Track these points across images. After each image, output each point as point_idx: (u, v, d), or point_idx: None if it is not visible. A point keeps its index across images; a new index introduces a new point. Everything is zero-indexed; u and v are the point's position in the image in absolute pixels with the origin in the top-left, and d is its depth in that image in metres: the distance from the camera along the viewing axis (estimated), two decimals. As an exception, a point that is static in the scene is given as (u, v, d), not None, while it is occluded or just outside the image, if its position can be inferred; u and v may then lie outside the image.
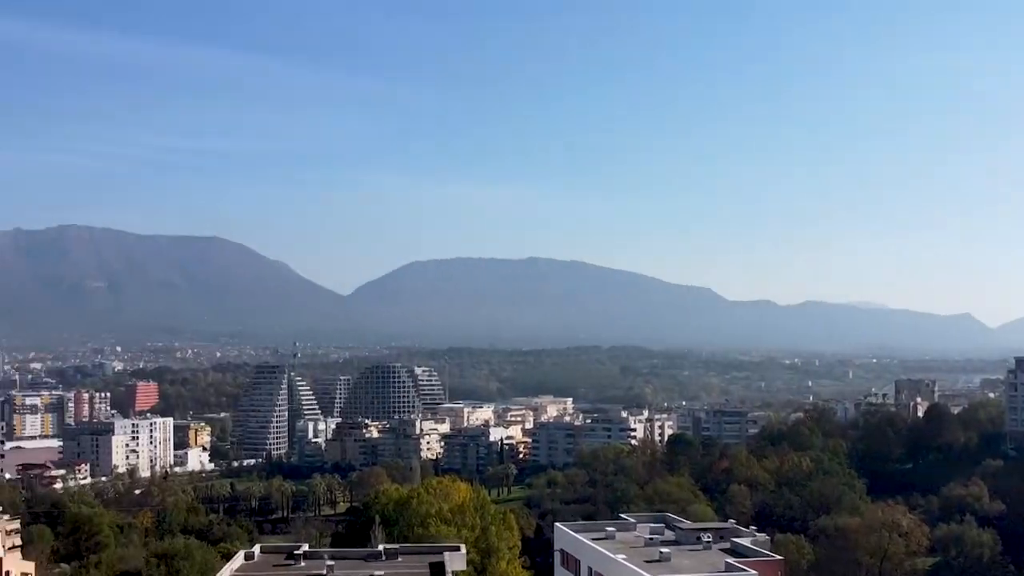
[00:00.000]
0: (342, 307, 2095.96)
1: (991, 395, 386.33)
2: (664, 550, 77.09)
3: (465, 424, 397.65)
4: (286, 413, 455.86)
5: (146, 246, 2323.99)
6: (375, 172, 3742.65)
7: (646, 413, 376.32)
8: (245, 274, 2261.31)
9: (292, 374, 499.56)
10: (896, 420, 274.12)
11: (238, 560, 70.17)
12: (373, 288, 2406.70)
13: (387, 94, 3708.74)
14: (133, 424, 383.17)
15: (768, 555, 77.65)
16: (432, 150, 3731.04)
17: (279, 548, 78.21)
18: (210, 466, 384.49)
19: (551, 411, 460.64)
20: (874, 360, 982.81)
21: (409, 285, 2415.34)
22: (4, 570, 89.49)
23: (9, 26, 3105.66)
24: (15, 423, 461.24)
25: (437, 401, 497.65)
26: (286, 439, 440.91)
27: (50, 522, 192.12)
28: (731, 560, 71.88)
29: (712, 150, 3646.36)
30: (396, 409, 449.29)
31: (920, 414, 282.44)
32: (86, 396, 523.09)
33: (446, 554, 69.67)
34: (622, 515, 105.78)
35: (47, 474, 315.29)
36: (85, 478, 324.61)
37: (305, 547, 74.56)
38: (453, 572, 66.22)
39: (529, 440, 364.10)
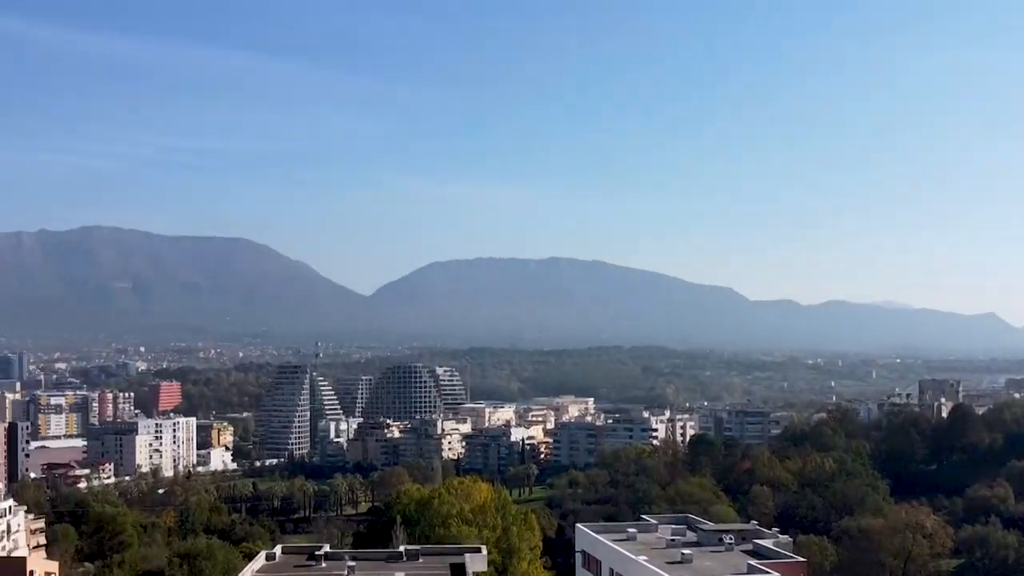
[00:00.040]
0: (364, 307, 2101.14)
1: (1016, 395, 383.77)
2: (686, 551, 76.77)
3: (486, 424, 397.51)
4: (308, 413, 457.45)
5: (170, 247, 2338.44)
6: (396, 173, 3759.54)
7: (668, 413, 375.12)
8: (268, 275, 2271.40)
9: (314, 374, 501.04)
10: (920, 421, 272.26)
11: (259, 561, 70.29)
12: (395, 288, 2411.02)
13: (406, 95, 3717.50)
14: (156, 424, 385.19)
15: (791, 557, 77.13)
16: (453, 150, 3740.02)
17: (300, 549, 78.30)
18: (232, 466, 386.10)
19: (572, 411, 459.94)
20: (898, 360, 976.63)
21: (430, 285, 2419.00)
22: (28, 569, 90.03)
23: (43, 31, 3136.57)
24: (40, 423, 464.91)
25: (458, 401, 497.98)
26: (308, 439, 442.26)
27: (74, 521, 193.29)
28: (753, 562, 71.50)
29: (734, 149, 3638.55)
30: (417, 409, 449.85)
31: (944, 414, 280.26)
32: (110, 396, 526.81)
33: (467, 555, 69.59)
34: (643, 516, 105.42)
35: (71, 473, 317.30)
36: (109, 477, 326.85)
37: (326, 548, 74.60)
38: (474, 573, 66.11)
39: (550, 440, 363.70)
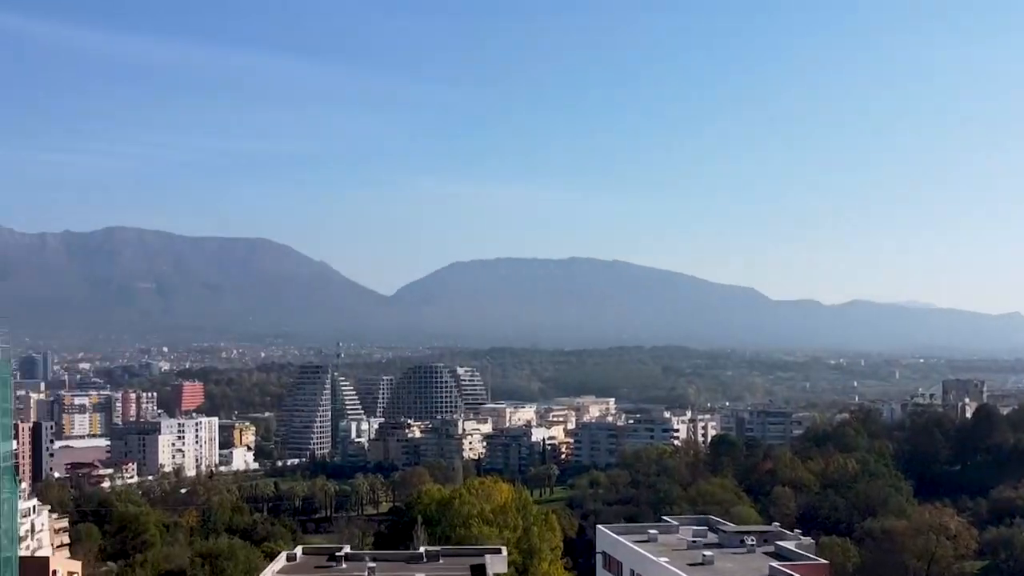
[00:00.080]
0: (385, 307, 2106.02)
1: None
2: (707, 553, 76.59)
3: (507, 424, 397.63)
4: (329, 413, 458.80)
5: (193, 248, 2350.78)
6: (417, 173, 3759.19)
7: (689, 413, 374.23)
8: (290, 275, 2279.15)
9: (335, 374, 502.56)
10: (944, 421, 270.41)
11: (280, 561, 70.54)
12: (415, 288, 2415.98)
13: (427, 94, 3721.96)
14: (179, 424, 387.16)
15: (813, 559, 76.74)
16: (474, 151, 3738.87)
17: (321, 549, 78.55)
18: (254, 465, 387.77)
19: (593, 411, 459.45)
20: (921, 360, 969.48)
21: (451, 285, 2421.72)
22: (51, 569, 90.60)
23: (75, 32, 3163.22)
24: (64, 422, 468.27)
25: (479, 401, 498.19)
26: (329, 439, 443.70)
27: (97, 521, 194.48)
28: (775, 564, 71.15)
29: (755, 147, 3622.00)
30: (438, 409, 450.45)
31: (968, 415, 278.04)
32: (133, 396, 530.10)
33: (487, 557, 69.59)
34: (664, 517, 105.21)
35: (95, 473, 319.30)
36: (132, 477, 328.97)
37: (347, 549, 74.82)
38: (494, 575, 66.08)
39: (571, 440, 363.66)
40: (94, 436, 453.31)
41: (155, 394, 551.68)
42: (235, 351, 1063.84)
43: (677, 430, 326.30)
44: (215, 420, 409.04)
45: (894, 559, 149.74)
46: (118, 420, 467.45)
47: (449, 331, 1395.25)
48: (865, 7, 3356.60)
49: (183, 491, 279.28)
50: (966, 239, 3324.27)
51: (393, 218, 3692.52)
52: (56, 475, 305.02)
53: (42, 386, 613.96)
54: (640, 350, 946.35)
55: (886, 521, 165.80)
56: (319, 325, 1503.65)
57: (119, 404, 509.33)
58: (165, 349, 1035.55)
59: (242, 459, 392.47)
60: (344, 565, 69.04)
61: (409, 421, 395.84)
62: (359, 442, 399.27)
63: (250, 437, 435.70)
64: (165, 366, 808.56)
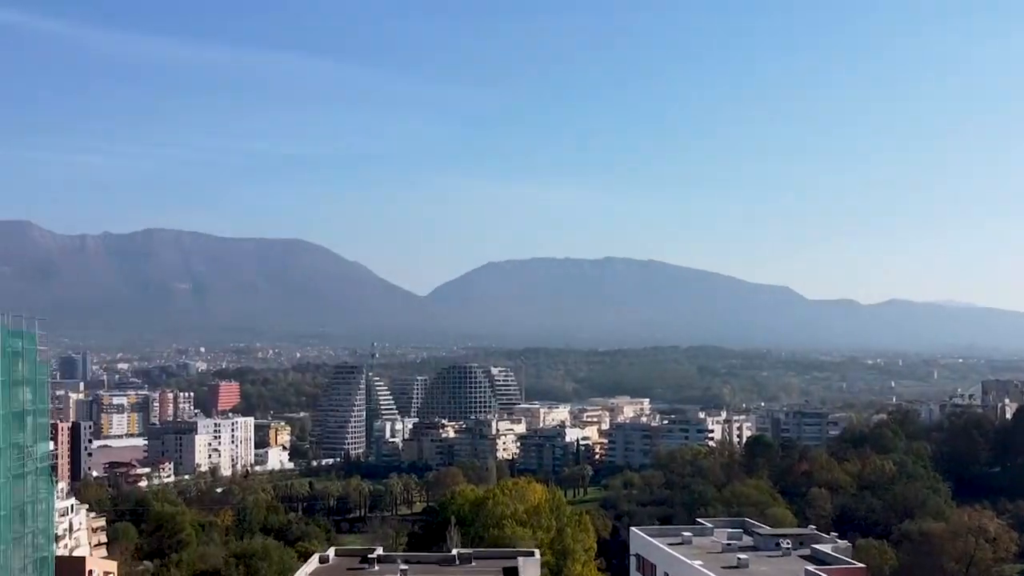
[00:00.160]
0: (419, 308, 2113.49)
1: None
2: (742, 556, 75.81)
3: (541, 424, 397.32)
4: (364, 413, 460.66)
5: (230, 248, 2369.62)
6: (452, 174, 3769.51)
7: (724, 414, 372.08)
8: (325, 276, 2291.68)
9: (370, 374, 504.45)
10: (983, 422, 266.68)
11: (312, 564, 70.64)
12: (450, 289, 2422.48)
13: (461, 96, 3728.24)
14: (215, 424, 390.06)
15: (850, 563, 75.77)
16: (508, 151, 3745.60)
17: (354, 551, 78.62)
18: (290, 465, 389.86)
19: (627, 412, 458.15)
20: (960, 360, 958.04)
21: (485, 286, 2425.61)
22: (87, 569, 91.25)
23: (114, 36, 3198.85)
24: (103, 422, 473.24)
25: (513, 401, 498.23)
26: (364, 439, 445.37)
27: (134, 520, 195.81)
28: (811, 567, 70.21)
29: (791, 147, 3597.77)
30: (472, 409, 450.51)
31: (1008, 416, 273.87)
32: (170, 396, 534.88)
33: (520, 559, 69.26)
34: (699, 519, 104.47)
35: (132, 472, 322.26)
36: (169, 476, 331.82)
37: (379, 551, 74.76)
38: (527, 577, 65.82)
39: (605, 441, 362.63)
40: (132, 436, 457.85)
41: (192, 394, 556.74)
42: (271, 351, 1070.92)
43: (712, 431, 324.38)
44: (251, 420, 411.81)
45: (932, 562, 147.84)
46: (155, 420, 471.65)
47: (483, 331, 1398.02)
48: None
49: (219, 491, 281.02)
50: (1006, 237, 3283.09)
51: (428, 219, 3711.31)
52: (94, 474, 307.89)
53: (81, 386, 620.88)
54: (675, 350, 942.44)
55: (924, 523, 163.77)
56: (354, 325, 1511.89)
57: (156, 404, 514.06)
58: (202, 349, 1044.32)
59: (277, 459, 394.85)
60: (376, 567, 68.98)
61: (443, 421, 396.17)
62: (393, 442, 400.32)
63: (285, 437, 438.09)
64: (202, 366, 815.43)
